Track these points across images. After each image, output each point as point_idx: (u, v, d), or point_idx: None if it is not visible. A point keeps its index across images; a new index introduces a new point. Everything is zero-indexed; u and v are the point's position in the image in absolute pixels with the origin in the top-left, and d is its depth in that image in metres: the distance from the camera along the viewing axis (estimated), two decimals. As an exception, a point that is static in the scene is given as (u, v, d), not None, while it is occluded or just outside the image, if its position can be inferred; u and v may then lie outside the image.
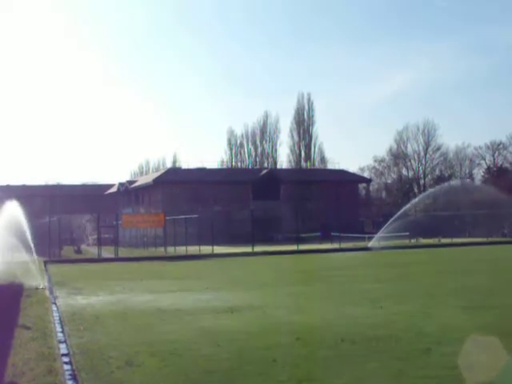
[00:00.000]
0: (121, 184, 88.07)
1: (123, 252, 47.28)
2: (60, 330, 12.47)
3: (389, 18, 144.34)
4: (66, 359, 9.59)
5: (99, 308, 15.98)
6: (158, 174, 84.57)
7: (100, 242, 47.72)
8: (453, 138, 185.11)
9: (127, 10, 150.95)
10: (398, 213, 50.75)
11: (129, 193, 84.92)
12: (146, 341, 11.23)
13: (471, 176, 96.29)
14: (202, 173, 78.70)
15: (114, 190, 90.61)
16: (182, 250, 47.09)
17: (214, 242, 46.40)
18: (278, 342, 10.85)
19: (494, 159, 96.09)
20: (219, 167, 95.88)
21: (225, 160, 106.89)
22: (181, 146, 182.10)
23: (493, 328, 11.76)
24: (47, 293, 19.76)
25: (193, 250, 46.02)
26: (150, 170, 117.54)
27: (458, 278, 23.01)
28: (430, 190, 58.72)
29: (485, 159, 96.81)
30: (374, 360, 9.33)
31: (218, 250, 46.05)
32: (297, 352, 10.15)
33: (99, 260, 41.54)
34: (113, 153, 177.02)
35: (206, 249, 45.89)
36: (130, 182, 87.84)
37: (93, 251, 51.59)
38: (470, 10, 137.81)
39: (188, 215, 52.57)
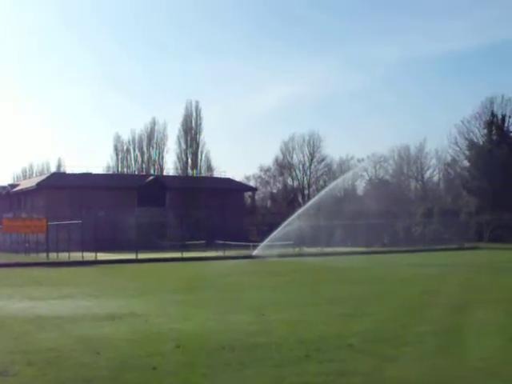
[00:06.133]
0: (2, 187, 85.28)
1: (3, 257, 45.87)
2: None
3: (281, 31, 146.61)
4: None
5: (-26, 315, 15.51)
6: (42, 178, 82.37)
7: (-22, 247, 46.23)
8: (338, 150, 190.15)
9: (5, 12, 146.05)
10: (285, 222, 51.49)
11: (10, 197, 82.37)
12: (23, 349, 11.00)
13: (354, 187, 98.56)
14: (87, 178, 77.18)
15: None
16: (64, 256, 46.09)
17: (97, 248, 45.70)
18: (158, 350, 10.86)
19: (376, 171, 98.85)
20: (105, 173, 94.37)
21: (111, 166, 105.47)
22: (66, 151, 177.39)
23: (368, 334, 12.19)
24: None
25: (76, 256, 45.12)
26: (34, 174, 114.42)
27: (337, 287, 23.68)
28: (315, 199, 59.50)
29: (367, 171, 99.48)
30: (253, 367, 9.51)
31: (102, 256, 45.41)
32: (177, 360, 10.19)
33: (-24, 266, 40.16)
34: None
35: (89, 255, 45.11)
36: (12, 186, 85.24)
37: (-30, 256, 49.78)
38: (350, 28, 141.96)
39: (72, 221, 51.55)
